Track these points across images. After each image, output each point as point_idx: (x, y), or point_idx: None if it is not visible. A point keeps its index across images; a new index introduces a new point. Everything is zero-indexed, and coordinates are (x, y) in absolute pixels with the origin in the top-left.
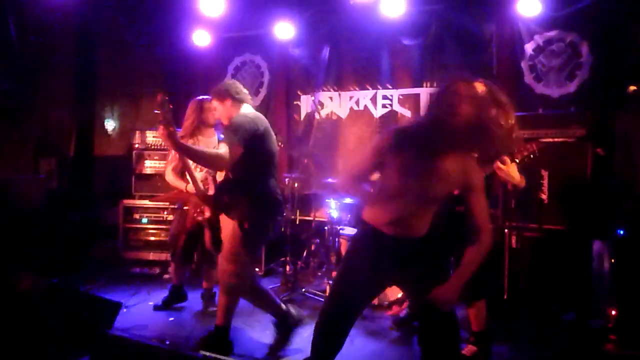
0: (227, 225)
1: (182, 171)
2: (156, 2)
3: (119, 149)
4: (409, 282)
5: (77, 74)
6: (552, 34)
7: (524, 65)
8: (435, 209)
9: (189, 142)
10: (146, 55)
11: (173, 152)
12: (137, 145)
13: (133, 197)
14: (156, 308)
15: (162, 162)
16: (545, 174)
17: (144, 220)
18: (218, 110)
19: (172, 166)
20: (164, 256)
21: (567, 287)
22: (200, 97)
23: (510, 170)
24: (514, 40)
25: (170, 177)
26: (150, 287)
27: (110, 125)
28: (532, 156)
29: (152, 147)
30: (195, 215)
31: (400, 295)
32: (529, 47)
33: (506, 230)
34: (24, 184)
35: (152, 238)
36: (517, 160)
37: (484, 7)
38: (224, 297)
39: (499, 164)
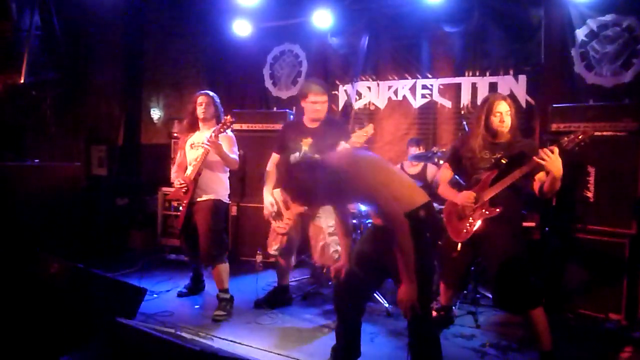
0: None
1: (185, 168)
2: None
3: (163, 137)
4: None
5: (125, 65)
6: (607, 18)
7: (574, 53)
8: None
9: (190, 138)
10: (188, 46)
11: (179, 153)
12: (175, 134)
13: (172, 185)
14: (180, 295)
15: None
16: (592, 170)
17: (181, 208)
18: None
19: (178, 163)
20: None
21: (611, 293)
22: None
23: (556, 162)
24: (564, 26)
25: (174, 175)
26: (185, 273)
27: (155, 114)
28: (583, 144)
29: None
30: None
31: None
32: (580, 33)
33: (547, 230)
34: (60, 170)
35: None
36: (568, 149)
37: None
38: None
39: (542, 155)
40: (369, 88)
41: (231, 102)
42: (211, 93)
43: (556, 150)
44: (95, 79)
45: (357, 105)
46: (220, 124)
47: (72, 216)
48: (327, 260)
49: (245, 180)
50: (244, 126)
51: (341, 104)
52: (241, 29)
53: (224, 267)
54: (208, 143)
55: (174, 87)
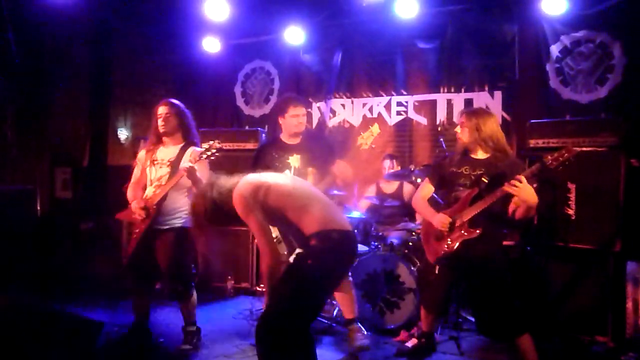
0: None
1: (144, 187)
2: (166, 11)
3: (131, 158)
4: None
5: (91, 83)
6: (580, 34)
7: (549, 68)
8: None
9: (152, 154)
10: (157, 64)
11: (137, 169)
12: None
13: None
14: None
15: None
16: (572, 187)
17: (133, 235)
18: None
19: (136, 181)
20: None
21: (597, 313)
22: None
23: (526, 190)
24: (538, 42)
25: (131, 193)
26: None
27: (123, 134)
28: (567, 163)
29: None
30: None
31: (406, 319)
32: (554, 49)
33: (528, 249)
34: (13, 194)
35: None
36: (552, 168)
37: (505, 6)
38: None
39: (509, 187)
40: (343, 105)
41: (203, 121)
42: (175, 102)
43: (524, 179)
44: (60, 98)
45: (332, 122)
46: (205, 149)
47: (27, 243)
48: None
49: None
50: None
51: (315, 122)
52: (211, 46)
53: (192, 301)
54: (184, 169)
55: (143, 105)
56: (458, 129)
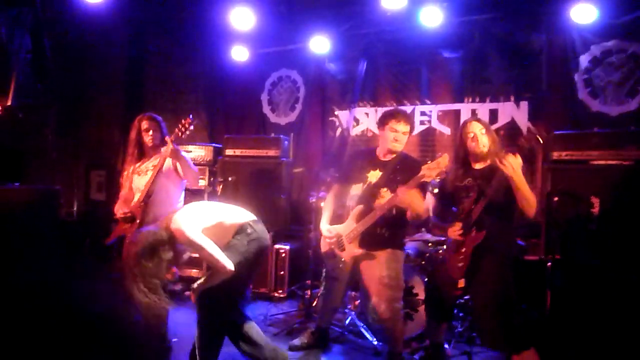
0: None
1: (131, 200)
2: (195, 22)
3: None
4: None
5: (125, 90)
6: (611, 44)
7: (578, 79)
8: None
9: (136, 167)
10: (187, 72)
11: (124, 187)
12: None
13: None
14: None
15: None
16: (596, 201)
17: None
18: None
19: (123, 198)
20: (187, 272)
21: (622, 335)
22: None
23: (516, 166)
24: (566, 51)
25: (117, 208)
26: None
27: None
28: (530, 149)
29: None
30: None
31: (417, 333)
32: (584, 59)
33: (548, 265)
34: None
35: None
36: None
37: (532, 15)
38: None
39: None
40: (367, 114)
41: (229, 128)
42: (156, 116)
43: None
44: (96, 104)
45: (355, 131)
46: (179, 126)
47: (49, 240)
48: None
49: None
50: (238, 152)
51: (338, 131)
52: (239, 54)
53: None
54: (165, 150)
55: (173, 112)
56: (475, 134)
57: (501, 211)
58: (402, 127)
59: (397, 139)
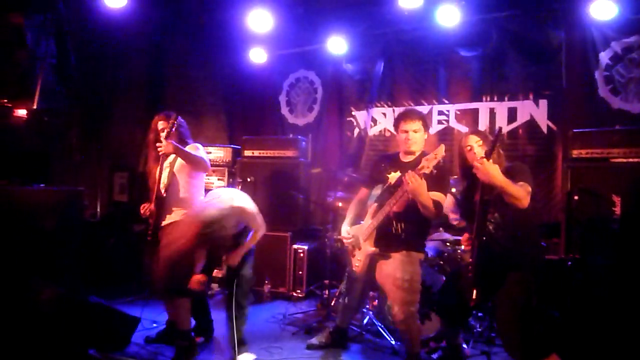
0: None
1: None
2: (215, 25)
3: None
4: None
5: (146, 93)
6: (632, 39)
7: (598, 76)
8: None
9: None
10: (206, 74)
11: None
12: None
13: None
14: (148, 340)
15: (213, 176)
16: (617, 200)
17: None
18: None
19: None
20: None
21: None
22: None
23: (490, 169)
24: (586, 48)
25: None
26: None
27: None
28: (497, 144)
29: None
30: None
31: (436, 333)
32: (604, 56)
33: (569, 264)
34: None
35: None
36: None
37: (551, 12)
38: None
39: (476, 164)
40: (384, 114)
41: (248, 130)
42: (170, 114)
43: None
44: (119, 107)
45: (372, 131)
46: (166, 125)
47: (75, 241)
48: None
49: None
50: (256, 152)
51: (356, 131)
52: (257, 56)
53: (182, 303)
54: (162, 150)
55: (193, 114)
56: (472, 147)
57: (508, 222)
58: (411, 125)
59: (409, 138)
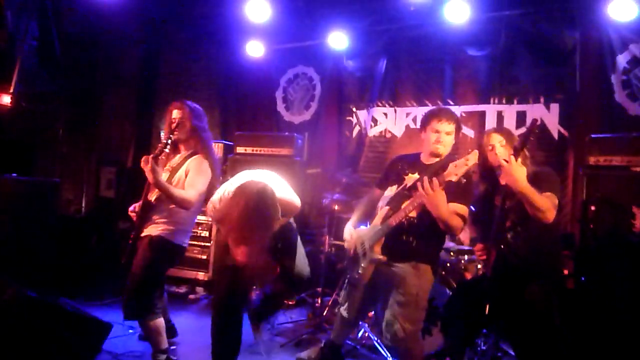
0: None
1: None
2: (212, 15)
3: None
4: None
5: (139, 85)
6: None
7: (614, 80)
8: None
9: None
10: (202, 68)
11: None
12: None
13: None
14: (142, 338)
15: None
16: (637, 211)
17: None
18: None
19: None
20: (194, 275)
21: None
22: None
23: (516, 172)
24: (602, 51)
25: None
26: (179, 307)
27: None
28: (531, 138)
29: None
30: None
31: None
32: (621, 59)
33: (582, 279)
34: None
35: (186, 253)
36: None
37: (566, 11)
38: None
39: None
40: (386, 114)
41: (243, 125)
42: (189, 104)
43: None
44: (109, 99)
45: (372, 132)
46: (158, 146)
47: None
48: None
49: None
50: (249, 149)
51: (355, 131)
52: (255, 50)
53: (158, 324)
54: (142, 165)
55: None
56: (494, 146)
57: (529, 232)
58: (445, 126)
59: (440, 140)
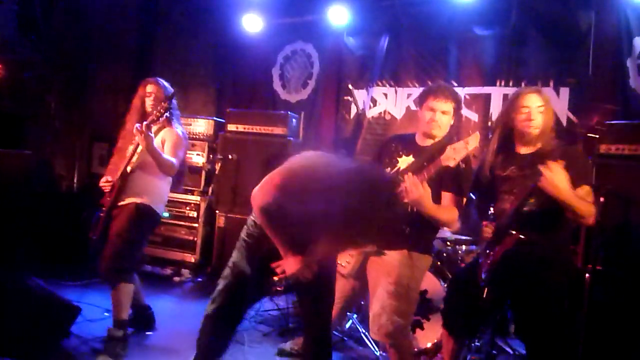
0: None
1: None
2: None
3: None
4: None
5: (133, 61)
6: None
7: (630, 64)
8: None
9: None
10: (197, 43)
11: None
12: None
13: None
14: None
15: (193, 152)
16: None
17: (166, 214)
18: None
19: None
20: (181, 256)
21: None
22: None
23: (558, 180)
24: (619, 33)
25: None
26: (161, 289)
27: None
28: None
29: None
30: None
31: (431, 344)
32: (638, 42)
33: (587, 276)
34: (8, 159)
35: (173, 234)
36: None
37: None
38: None
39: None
40: (386, 95)
41: (239, 103)
42: (162, 81)
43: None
44: (103, 73)
45: (371, 113)
46: (158, 108)
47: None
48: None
49: (237, 189)
50: (241, 127)
51: (353, 111)
52: (252, 24)
53: (127, 289)
54: (136, 132)
55: (181, 85)
56: (531, 111)
57: (548, 219)
58: (442, 105)
59: (435, 119)
